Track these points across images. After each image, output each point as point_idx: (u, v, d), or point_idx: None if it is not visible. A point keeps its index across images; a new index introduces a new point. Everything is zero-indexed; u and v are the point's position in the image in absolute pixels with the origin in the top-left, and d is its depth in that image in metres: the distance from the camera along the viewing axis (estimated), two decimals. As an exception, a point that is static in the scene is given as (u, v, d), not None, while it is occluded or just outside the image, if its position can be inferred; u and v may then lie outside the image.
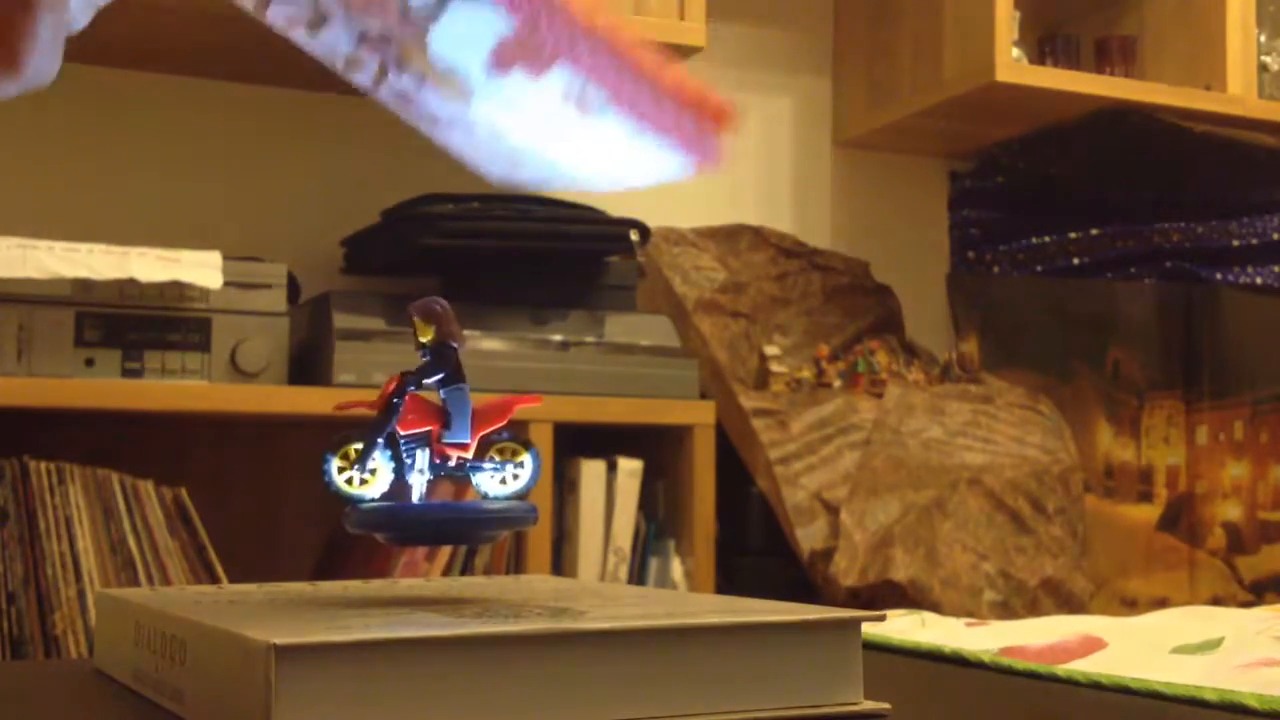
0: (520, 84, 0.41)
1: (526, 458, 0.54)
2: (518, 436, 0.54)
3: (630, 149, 0.42)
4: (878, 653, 0.66)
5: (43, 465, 1.38)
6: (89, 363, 1.48)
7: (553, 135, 0.43)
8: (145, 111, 1.84)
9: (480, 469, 0.53)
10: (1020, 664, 0.59)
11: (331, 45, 0.43)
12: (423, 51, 0.41)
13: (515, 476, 0.54)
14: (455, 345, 0.53)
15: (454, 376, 0.53)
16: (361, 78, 0.45)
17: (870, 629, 0.70)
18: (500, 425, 0.54)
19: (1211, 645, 0.59)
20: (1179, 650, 0.59)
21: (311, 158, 1.91)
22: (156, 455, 1.57)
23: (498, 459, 0.54)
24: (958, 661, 0.62)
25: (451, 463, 0.53)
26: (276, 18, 0.42)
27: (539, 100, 0.41)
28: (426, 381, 0.53)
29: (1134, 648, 0.60)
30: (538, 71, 0.40)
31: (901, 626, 0.72)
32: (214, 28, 1.68)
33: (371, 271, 1.80)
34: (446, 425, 0.53)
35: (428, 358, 0.53)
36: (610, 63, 0.40)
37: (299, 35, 0.42)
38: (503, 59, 0.40)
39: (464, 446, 0.53)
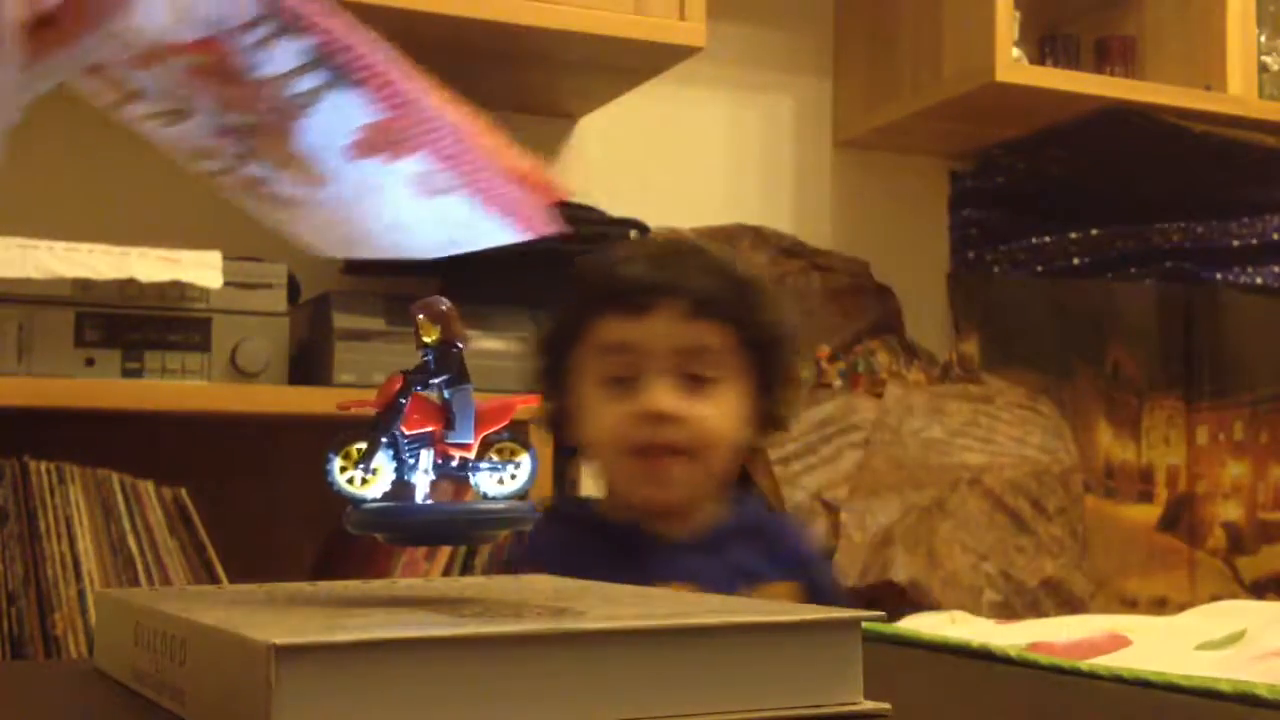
0: (376, 169, 0.44)
1: (525, 458, 0.54)
2: (517, 436, 0.54)
3: (467, 223, 0.46)
4: (906, 648, 0.66)
5: (43, 465, 1.38)
6: (89, 363, 1.48)
7: (398, 214, 0.46)
8: (145, 111, 1.84)
9: (479, 469, 0.53)
10: (1045, 659, 0.60)
11: (186, 136, 0.46)
12: (285, 140, 0.43)
13: (513, 476, 0.54)
14: (460, 346, 0.53)
15: (459, 377, 0.53)
16: (209, 165, 0.48)
17: (899, 625, 0.71)
18: (502, 425, 0.54)
19: (1233, 639, 0.60)
20: (1203, 647, 0.60)
21: (311, 158, 1.91)
22: (156, 455, 1.57)
23: (496, 459, 0.54)
24: (985, 656, 0.62)
25: (454, 463, 0.53)
26: (133, 113, 0.44)
27: (391, 183, 0.45)
28: (433, 382, 0.53)
29: (1159, 645, 0.61)
30: (395, 158, 0.44)
31: (931, 624, 0.73)
32: (214, 28, 1.68)
33: (371, 271, 1.80)
34: (449, 426, 0.53)
35: (430, 358, 0.53)
36: (459, 148, 0.44)
37: (151, 127, 0.45)
38: (364, 147, 0.43)
39: (467, 447, 0.53)
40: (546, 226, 0.47)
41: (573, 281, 1.18)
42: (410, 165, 0.44)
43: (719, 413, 1.11)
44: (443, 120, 0.43)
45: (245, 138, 0.44)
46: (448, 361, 0.53)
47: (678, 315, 1.10)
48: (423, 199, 0.45)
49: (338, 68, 0.41)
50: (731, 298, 1.12)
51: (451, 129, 0.44)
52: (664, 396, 1.09)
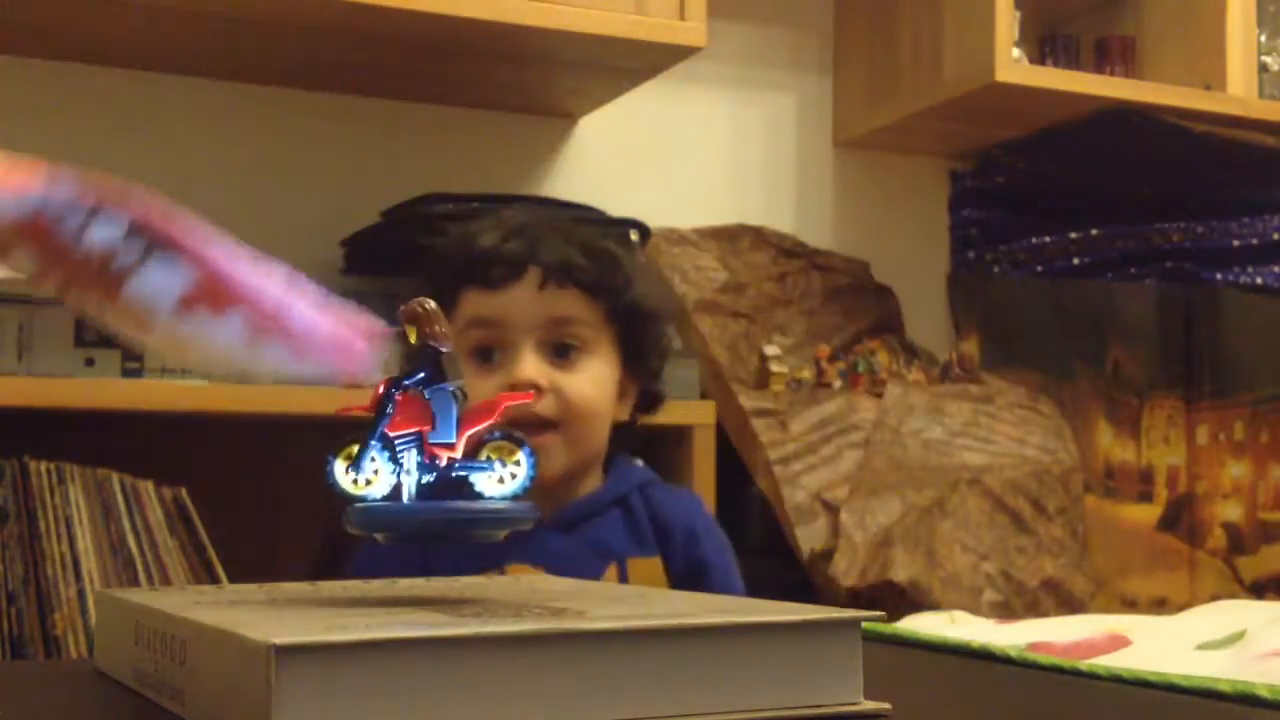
0: (202, 321, 0.52)
1: (521, 455, 0.54)
2: (512, 434, 0.54)
3: (290, 367, 0.54)
4: (906, 648, 0.66)
5: (43, 465, 1.38)
6: (89, 363, 1.48)
7: (228, 357, 0.53)
8: (146, 112, 1.84)
9: (476, 469, 0.53)
10: (1045, 659, 0.60)
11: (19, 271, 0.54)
12: (116, 296, 0.51)
13: (513, 475, 0.54)
14: (436, 346, 0.53)
15: (435, 377, 0.53)
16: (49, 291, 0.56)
17: (898, 625, 0.71)
18: (490, 423, 0.54)
19: (1234, 639, 0.60)
20: (1203, 647, 0.60)
21: (311, 158, 1.91)
22: (156, 455, 1.57)
23: (493, 458, 0.54)
24: (985, 656, 0.63)
25: (441, 463, 0.53)
26: None
27: (218, 333, 0.52)
28: (407, 383, 0.53)
29: (1159, 645, 0.61)
30: (218, 314, 0.51)
31: (931, 624, 0.73)
32: (214, 28, 1.68)
33: (371, 271, 1.80)
34: (433, 426, 0.53)
35: (413, 360, 0.54)
36: (279, 304, 0.52)
37: None
38: (188, 304, 0.51)
39: (450, 446, 0.53)
40: (367, 368, 0.54)
41: (433, 257, 1.18)
42: (232, 321, 0.52)
43: (587, 382, 1.10)
44: (259, 283, 0.52)
45: (82, 294, 0.52)
46: (424, 363, 0.53)
47: (538, 286, 1.10)
48: (246, 347, 0.52)
49: (155, 242, 0.51)
50: (592, 268, 1.12)
51: (267, 290, 0.53)
52: (529, 367, 1.08)
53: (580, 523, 1.11)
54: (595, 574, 1.08)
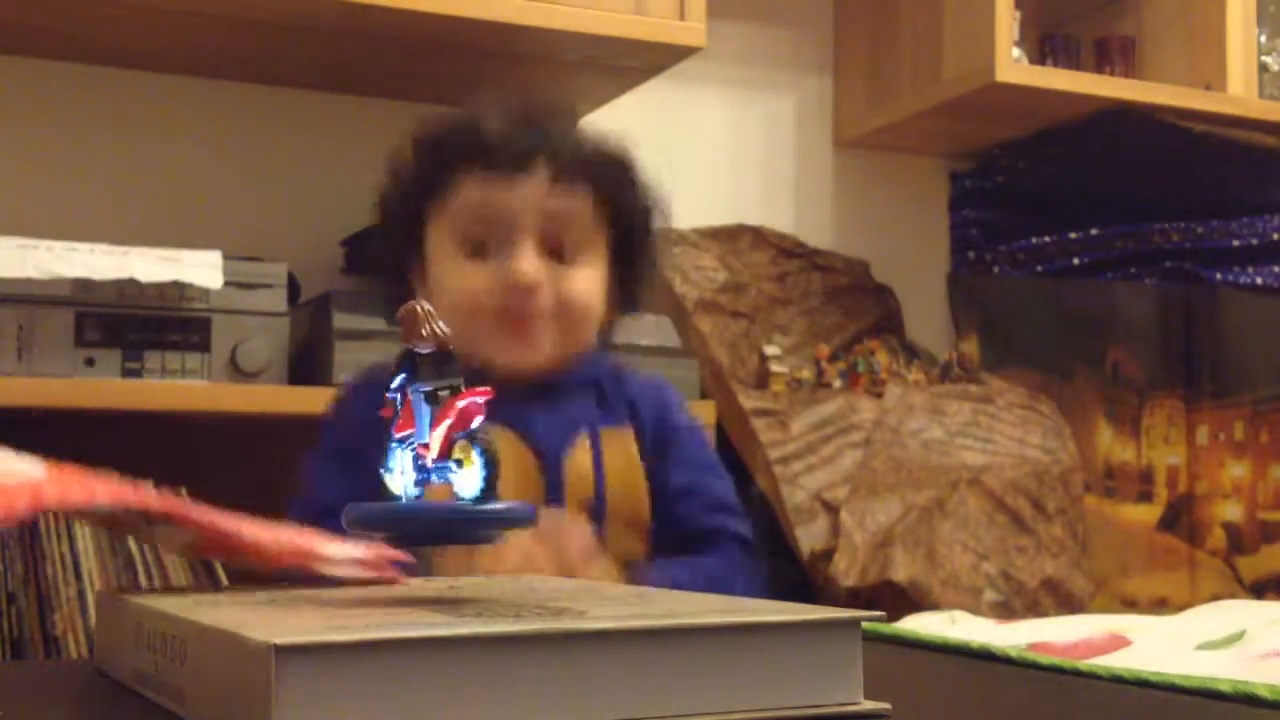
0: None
1: (474, 455, 0.53)
2: (473, 434, 0.54)
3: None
4: (906, 648, 0.66)
5: (42, 465, 1.38)
6: (89, 363, 1.48)
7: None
8: (145, 111, 1.84)
9: (442, 470, 0.53)
10: (1045, 659, 0.60)
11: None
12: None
13: (472, 476, 0.54)
14: (413, 348, 0.54)
15: (410, 378, 0.54)
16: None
17: (898, 625, 0.71)
18: (447, 423, 0.53)
19: (1234, 639, 0.60)
20: (1203, 647, 0.60)
21: (311, 158, 1.91)
22: (156, 455, 1.56)
23: (458, 457, 0.54)
24: (985, 656, 0.62)
25: (425, 463, 0.53)
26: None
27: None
28: (394, 386, 0.54)
29: (1159, 645, 0.61)
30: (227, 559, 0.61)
31: (931, 624, 0.73)
32: (214, 28, 1.68)
33: (371, 271, 1.79)
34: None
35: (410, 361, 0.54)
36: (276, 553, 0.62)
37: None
38: (196, 549, 0.64)
39: (424, 447, 0.54)
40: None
41: (427, 135, 1.12)
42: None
43: (584, 283, 1.07)
44: (255, 536, 0.61)
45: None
46: (403, 364, 0.54)
47: (548, 180, 1.05)
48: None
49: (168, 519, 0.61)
50: (602, 165, 1.08)
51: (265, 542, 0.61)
52: (529, 265, 1.03)
53: (556, 396, 1.08)
54: (569, 441, 1.06)
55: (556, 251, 1.07)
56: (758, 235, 2.12)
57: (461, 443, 0.53)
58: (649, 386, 1.15)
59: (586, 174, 1.07)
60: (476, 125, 1.09)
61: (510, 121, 1.08)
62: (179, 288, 1.50)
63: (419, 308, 0.53)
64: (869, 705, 0.46)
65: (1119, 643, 0.63)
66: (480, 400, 0.53)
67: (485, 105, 1.11)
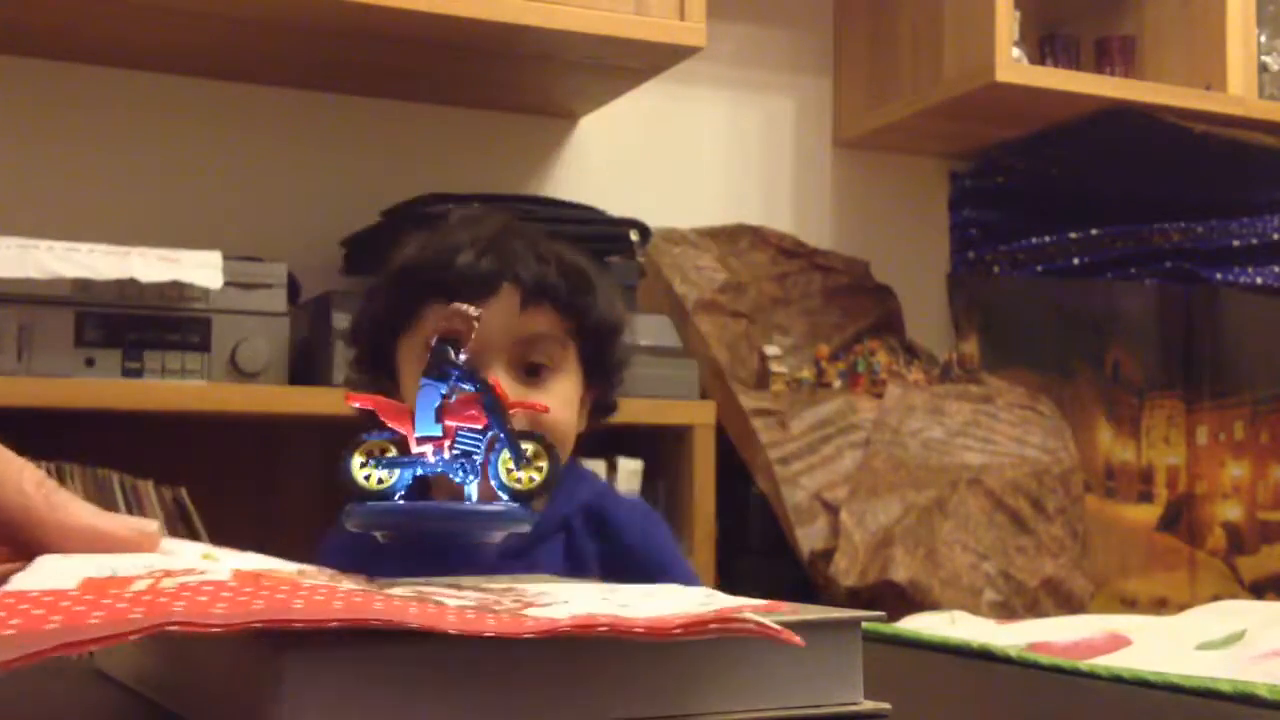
0: None
1: (545, 461, 0.54)
2: (542, 437, 0.55)
3: None
4: (906, 648, 0.66)
5: (43, 465, 1.38)
6: (89, 363, 1.48)
7: None
8: (145, 111, 1.84)
9: (495, 465, 0.54)
10: (1045, 659, 0.60)
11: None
12: None
13: (531, 479, 0.54)
14: (432, 343, 0.54)
15: (428, 373, 0.54)
16: None
17: (898, 625, 0.71)
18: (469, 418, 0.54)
19: (1234, 639, 0.60)
20: (1203, 647, 0.60)
21: (311, 158, 1.91)
22: (156, 455, 1.57)
23: (524, 456, 0.54)
24: (985, 656, 0.62)
25: (430, 459, 0.54)
26: None
27: None
28: (449, 386, 0.54)
29: (1159, 645, 0.61)
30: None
31: (931, 624, 0.73)
32: (214, 28, 1.68)
33: (371, 271, 1.79)
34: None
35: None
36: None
37: None
38: None
39: (422, 440, 0.54)
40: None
41: (398, 267, 1.14)
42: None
43: (559, 402, 1.08)
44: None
45: None
46: (445, 359, 0.54)
47: (513, 304, 1.07)
48: None
49: None
50: (565, 284, 1.10)
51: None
52: (502, 387, 1.06)
53: (529, 550, 1.09)
54: None
55: (531, 372, 1.09)
56: (758, 235, 2.12)
57: (535, 446, 0.54)
58: (635, 514, 1.17)
59: (551, 293, 1.09)
60: (443, 256, 1.11)
61: (475, 250, 1.10)
62: (179, 288, 1.50)
63: (469, 312, 0.54)
64: (869, 705, 0.46)
65: (1119, 643, 0.63)
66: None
67: (455, 232, 1.14)
